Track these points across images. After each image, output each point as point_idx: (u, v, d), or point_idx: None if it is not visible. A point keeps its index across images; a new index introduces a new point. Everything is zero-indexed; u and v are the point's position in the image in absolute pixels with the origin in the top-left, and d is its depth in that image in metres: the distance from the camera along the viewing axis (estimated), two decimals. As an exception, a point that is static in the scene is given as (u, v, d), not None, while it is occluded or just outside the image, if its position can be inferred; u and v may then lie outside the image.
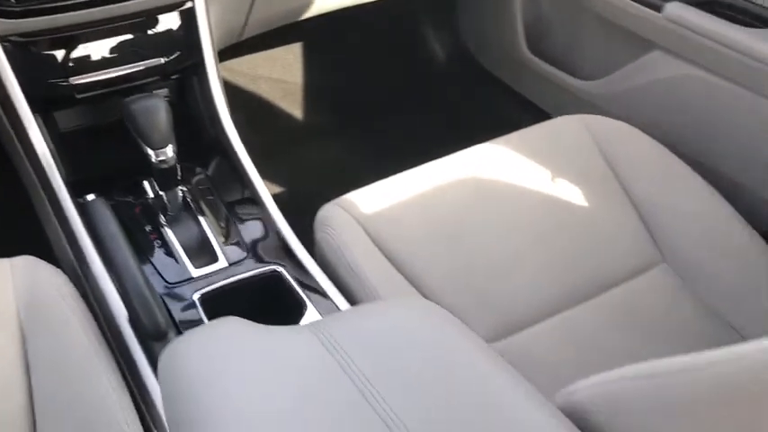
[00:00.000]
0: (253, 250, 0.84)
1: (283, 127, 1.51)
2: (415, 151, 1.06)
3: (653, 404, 0.46)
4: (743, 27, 1.06)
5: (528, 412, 0.50)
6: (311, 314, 0.79)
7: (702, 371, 0.43)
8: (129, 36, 0.88)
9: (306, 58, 1.60)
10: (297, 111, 1.55)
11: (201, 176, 0.92)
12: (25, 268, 0.75)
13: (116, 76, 0.88)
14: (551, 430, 0.49)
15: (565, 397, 0.54)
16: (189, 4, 0.89)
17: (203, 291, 0.79)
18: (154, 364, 0.72)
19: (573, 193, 0.98)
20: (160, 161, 0.79)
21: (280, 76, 1.57)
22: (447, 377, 0.51)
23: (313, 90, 1.58)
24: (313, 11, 1.22)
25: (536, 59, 1.42)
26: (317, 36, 1.58)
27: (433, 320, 0.56)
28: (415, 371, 0.51)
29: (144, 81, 0.89)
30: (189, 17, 0.89)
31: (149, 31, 0.89)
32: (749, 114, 1.05)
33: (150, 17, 0.88)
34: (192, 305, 0.77)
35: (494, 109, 1.54)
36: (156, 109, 0.78)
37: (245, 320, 0.55)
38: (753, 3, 1.08)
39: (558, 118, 1.10)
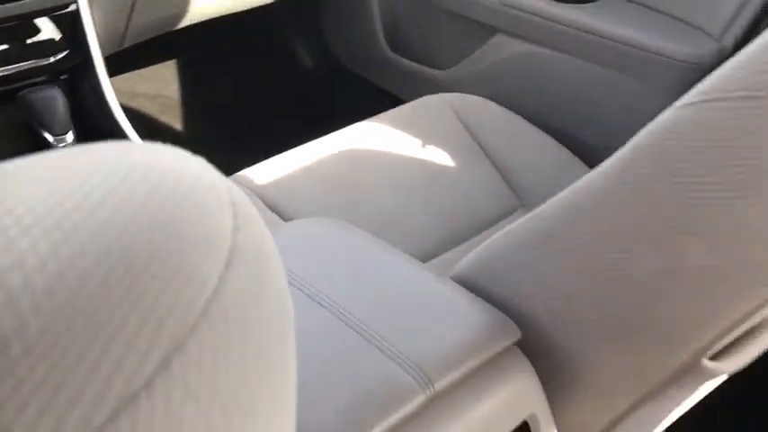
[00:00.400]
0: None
1: (165, 141, 1.56)
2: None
3: (519, 247, 0.58)
4: (570, 4, 1.24)
5: (436, 284, 0.61)
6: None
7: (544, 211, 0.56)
8: (12, 37, 0.91)
9: (182, 72, 1.66)
10: (177, 124, 1.61)
11: None
12: None
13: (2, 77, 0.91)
14: (452, 293, 0.60)
15: (454, 273, 0.65)
16: (73, 7, 0.94)
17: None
18: None
19: (442, 157, 1.11)
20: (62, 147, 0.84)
21: (157, 91, 1.61)
22: (369, 269, 0.61)
23: (191, 103, 1.64)
24: (191, 18, 1.30)
25: (397, 56, 1.56)
26: (192, 50, 1.64)
27: (341, 229, 0.66)
28: (342, 268, 0.60)
29: (31, 81, 0.93)
30: (74, 18, 0.94)
31: (34, 33, 0.93)
32: (585, 80, 1.23)
33: (33, 19, 0.92)
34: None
35: (362, 107, 1.67)
36: (53, 97, 0.83)
37: None
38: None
39: (424, 97, 1.23)
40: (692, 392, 0.64)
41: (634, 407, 0.64)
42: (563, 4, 1.24)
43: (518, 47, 1.32)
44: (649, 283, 0.54)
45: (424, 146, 1.13)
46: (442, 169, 1.10)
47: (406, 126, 1.15)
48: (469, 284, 0.62)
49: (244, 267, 0.21)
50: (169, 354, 0.18)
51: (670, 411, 0.66)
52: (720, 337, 0.57)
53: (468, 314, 0.60)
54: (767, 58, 0.45)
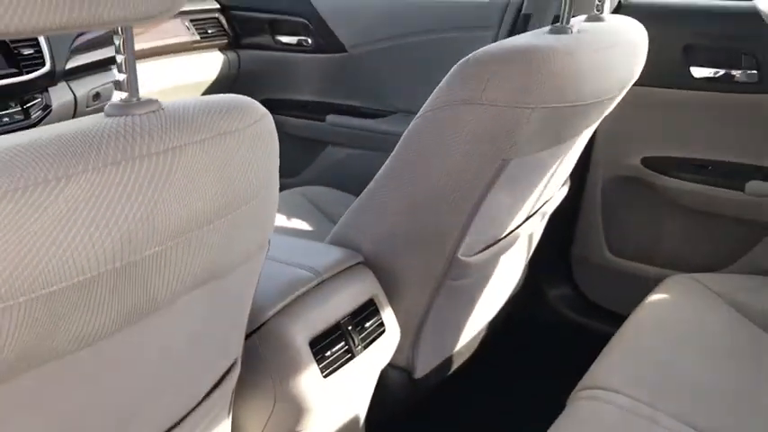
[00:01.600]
0: None
1: None
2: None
3: (357, 207, 1.11)
4: (375, 119, 1.86)
5: (323, 245, 1.12)
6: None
7: (369, 185, 1.11)
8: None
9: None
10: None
11: None
12: None
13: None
14: (329, 247, 1.11)
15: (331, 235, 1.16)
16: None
17: None
18: None
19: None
20: None
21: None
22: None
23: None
24: None
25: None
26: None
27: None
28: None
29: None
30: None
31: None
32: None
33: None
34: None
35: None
36: None
37: None
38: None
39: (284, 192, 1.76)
40: (466, 280, 1.17)
41: (435, 293, 1.15)
42: (370, 120, 1.86)
43: (345, 152, 1.91)
44: (418, 210, 1.08)
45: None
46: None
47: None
48: (339, 238, 1.14)
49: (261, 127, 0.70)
50: None
51: (461, 296, 1.18)
52: (460, 239, 1.11)
53: (335, 252, 1.11)
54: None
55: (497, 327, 1.52)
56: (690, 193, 1.52)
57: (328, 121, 1.91)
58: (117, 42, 0.60)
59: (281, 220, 1.51)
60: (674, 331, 1.19)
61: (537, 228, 1.40)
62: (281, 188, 1.93)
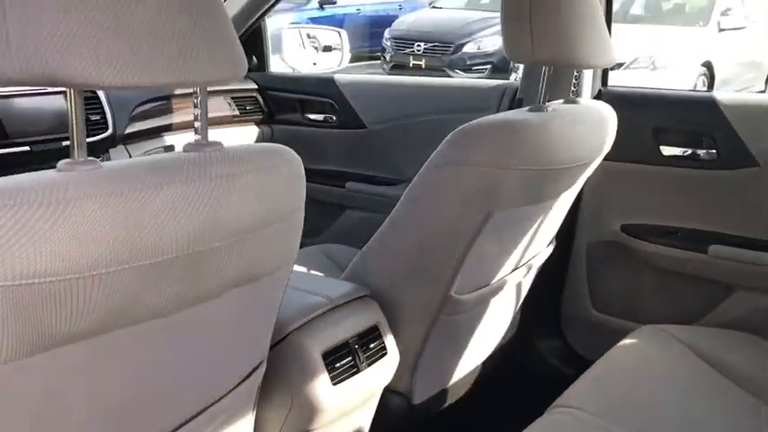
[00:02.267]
0: None
1: None
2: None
3: (368, 248, 1.33)
4: (385, 186, 2.10)
5: (337, 281, 1.33)
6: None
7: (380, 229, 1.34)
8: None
9: None
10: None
11: None
12: None
13: None
14: (343, 283, 1.33)
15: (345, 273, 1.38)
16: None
17: None
18: None
19: None
20: None
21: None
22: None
23: None
24: None
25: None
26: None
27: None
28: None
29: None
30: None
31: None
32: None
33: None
34: None
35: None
36: None
37: None
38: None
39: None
40: (458, 316, 1.37)
41: (432, 325, 1.35)
42: (384, 187, 2.10)
43: (358, 215, 2.15)
44: (416, 252, 1.30)
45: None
46: None
47: None
48: (351, 274, 1.35)
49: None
50: None
51: (455, 332, 1.38)
52: (452, 279, 1.31)
53: (347, 285, 1.32)
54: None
55: (490, 371, 1.70)
56: (663, 255, 1.72)
57: (348, 187, 2.16)
58: (195, 100, 0.85)
59: (301, 271, 1.73)
60: (639, 369, 1.38)
61: (525, 280, 1.60)
62: (303, 245, 2.16)
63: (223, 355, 0.95)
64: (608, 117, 1.44)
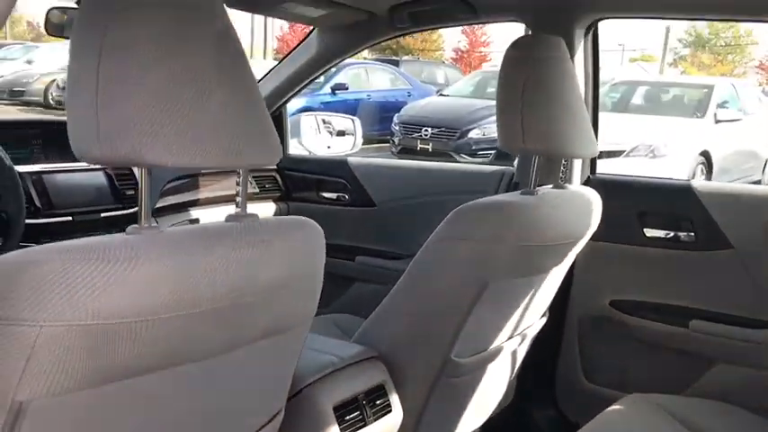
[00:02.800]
0: None
1: None
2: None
3: (376, 314, 1.48)
4: (394, 260, 2.25)
5: (344, 343, 1.48)
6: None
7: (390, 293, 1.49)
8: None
9: None
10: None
11: None
12: None
13: None
14: (352, 345, 1.47)
15: (355, 336, 1.52)
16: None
17: None
18: None
19: None
20: None
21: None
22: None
23: None
24: None
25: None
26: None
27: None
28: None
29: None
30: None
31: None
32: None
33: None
34: None
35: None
36: None
37: None
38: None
39: None
40: (458, 379, 1.50)
41: (433, 386, 1.48)
42: (391, 260, 2.26)
43: (367, 287, 2.30)
44: (419, 318, 1.45)
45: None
46: None
47: None
48: (360, 337, 1.49)
49: None
50: None
51: (455, 393, 1.51)
52: (452, 344, 1.45)
53: (356, 347, 1.46)
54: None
55: None
56: (649, 329, 1.86)
57: (358, 261, 2.32)
58: (238, 179, 1.02)
59: (312, 338, 1.87)
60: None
61: (519, 348, 1.73)
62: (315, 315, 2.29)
63: (247, 401, 1.09)
64: (593, 201, 1.61)
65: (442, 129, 9.11)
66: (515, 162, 2.10)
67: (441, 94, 11.24)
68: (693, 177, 7.49)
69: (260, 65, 15.16)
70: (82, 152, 0.85)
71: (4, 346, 0.74)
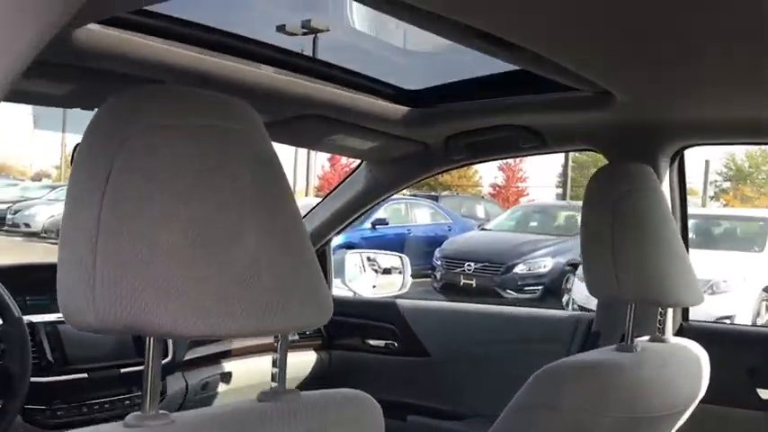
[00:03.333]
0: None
1: None
2: None
3: None
4: (452, 420, 1.96)
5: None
6: None
7: None
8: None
9: None
10: None
11: None
12: None
13: None
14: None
15: None
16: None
17: None
18: None
19: None
20: None
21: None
22: None
23: None
24: None
25: None
26: None
27: None
28: None
29: None
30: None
31: None
32: None
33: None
34: None
35: None
36: None
37: None
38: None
39: None
40: None
41: None
42: (449, 421, 1.96)
43: None
44: None
45: None
46: None
47: None
48: None
49: None
50: None
51: None
52: None
53: None
54: None
55: None
56: None
57: (409, 421, 2.02)
58: (276, 345, 0.79)
59: None
60: None
61: None
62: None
63: None
64: (700, 357, 1.33)
65: (486, 264, 8.89)
66: (570, 298, 1.83)
67: (482, 229, 11.13)
68: (759, 314, 7.04)
69: (302, 202, 15.43)
70: (71, 316, 0.64)
71: None
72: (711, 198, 28.14)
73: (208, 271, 0.63)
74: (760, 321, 7.09)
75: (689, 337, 1.45)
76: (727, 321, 6.67)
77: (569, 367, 1.14)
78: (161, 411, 0.66)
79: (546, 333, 1.85)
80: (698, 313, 6.64)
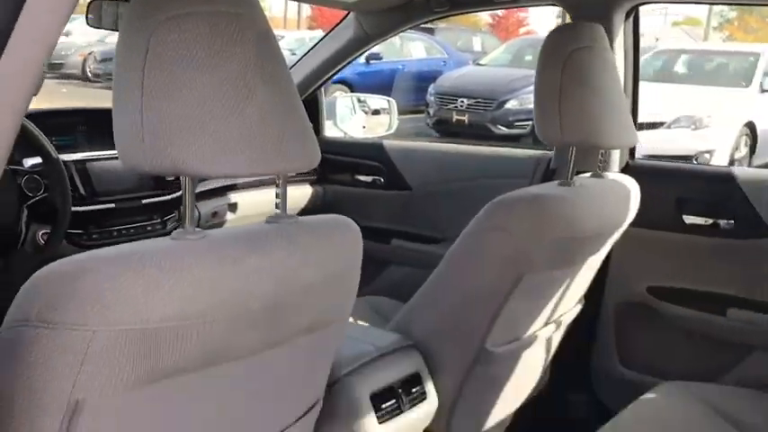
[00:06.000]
0: None
1: None
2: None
3: (412, 303, 1.51)
4: (429, 243, 2.27)
5: (384, 332, 1.51)
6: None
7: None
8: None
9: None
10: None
11: None
12: None
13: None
14: (390, 334, 1.50)
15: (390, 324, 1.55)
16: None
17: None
18: None
19: None
20: None
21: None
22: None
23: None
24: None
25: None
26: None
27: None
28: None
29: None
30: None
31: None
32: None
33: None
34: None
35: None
36: None
37: None
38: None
39: None
40: (493, 367, 1.52)
41: (468, 375, 1.50)
42: (426, 244, 2.27)
43: (402, 270, 2.32)
44: (455, 309, 1.46)
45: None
46: None
47: None
48: (397, 326, 1.52)
49: None
50: None
51: (489, 381, 1.53)
52: (486, 334, 1.47)
53: (393, 336, 1.49)
54: None
55: (522, 419, 1.83)
56: (686, 317, 1.85)
57: (393, 244, 2.34)
58: (278, 181, 1.04)
59: (350, 321, 1.90)
60: (657, 421, 1.51)
61: (555, 335, 1.74)
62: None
63: (288, 391, 1.12)
64: (631, 189, 1.60)
65: (479, 100, 9.03)
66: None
67: (477, 64, 11.12)
68: (737, 149, 7.32)
69: (296, 35, 15.14)
70: (128, 161, 0.87)
71: (61, 350, 0.78)
72: (715, 29, 27.48)
73: (228, 124, 0.86)
74: (738, 156, 7.39)
75: (632, 173, 1.71)
76: (707, 156, 6.99)
77: (518, 197, 1.41)
78: (197, 229, 0.92)
79: (512, 170, 2.12)
80: (678, 148, 6.87)
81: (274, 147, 0.91)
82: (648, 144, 5.36)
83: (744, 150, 7.51)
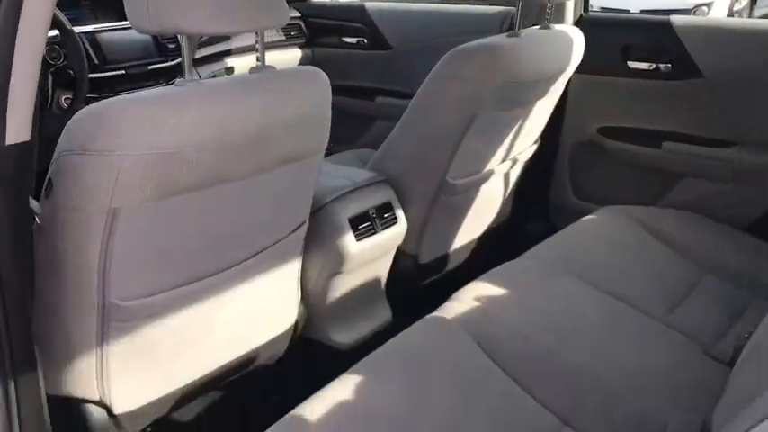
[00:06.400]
0: None
1: None
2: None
3: (388, 140, 1.77)
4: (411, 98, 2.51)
5: (361, 170, 1.79)
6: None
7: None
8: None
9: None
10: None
11: None
12: None
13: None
14: (365, 171, 1.78)
15: (369, 163, 1.83)
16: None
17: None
18: None
19: None
20: None
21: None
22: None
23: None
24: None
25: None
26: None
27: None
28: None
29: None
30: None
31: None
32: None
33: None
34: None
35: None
36: None
37: None
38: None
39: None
40: (455, 198, 1.81)
41: (433, 203, 1.80)
42: (408, 99, 2.51)
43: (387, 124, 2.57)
44: (419, 147, 1.73)
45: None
46: None
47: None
48: (373, 165, 1.80)
49: None
50: None
51: (452, 209, 1.83)
52: (446, 168, 1.74)
53: (368, 173, 1.77)
54: None
55: (485, 243, 2.15)
56: (629, 151, 2.12)
57: (377, 101, 2.58)
58: (256, 38, 1.28)
59: (336, 168, 2.19)
60: (593, 234, 1.81)
61: (512, 171, 2.02)
62: (341, 150, 2.58)
63: (278, 211, 1.42)
64: (574, 39, 1.82)
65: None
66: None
67: None
68: (737, 1, 7.25)
69: None
70: (135, 23, 1.11)
71: (101, 169, 1.06)
72: None
73: None
74: (737, 7, 7.35)
75: (583, 25, 1.92)
76: (705, 9, 6.97)
77: (468, 48, 1.64)
78: (195, 78, 1.18)
79: (480, 26, 2.31)
80: (676, 2, 6.76)
81: (251, 8, 1.14)
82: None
83: (744, 1, 7.46)
